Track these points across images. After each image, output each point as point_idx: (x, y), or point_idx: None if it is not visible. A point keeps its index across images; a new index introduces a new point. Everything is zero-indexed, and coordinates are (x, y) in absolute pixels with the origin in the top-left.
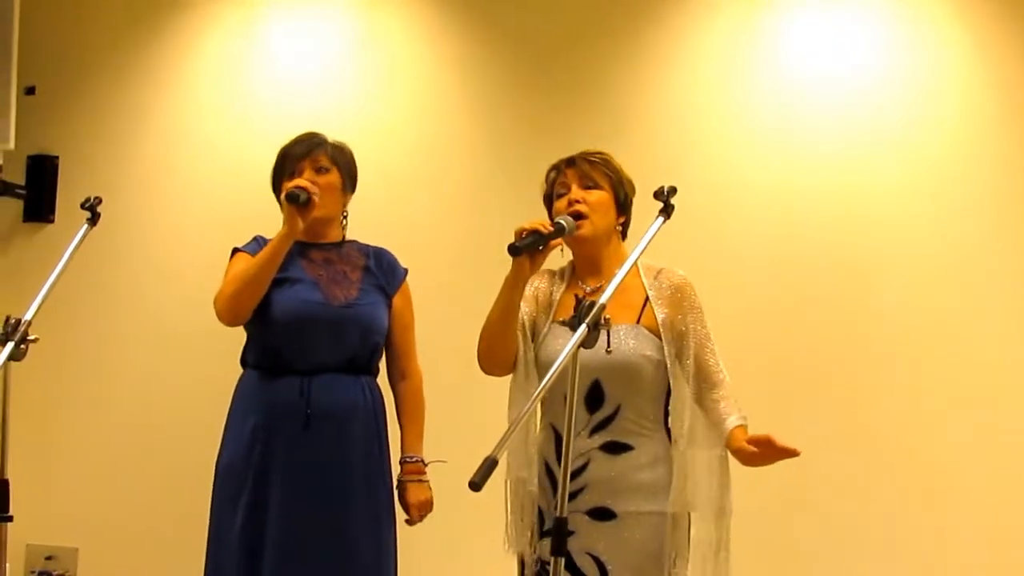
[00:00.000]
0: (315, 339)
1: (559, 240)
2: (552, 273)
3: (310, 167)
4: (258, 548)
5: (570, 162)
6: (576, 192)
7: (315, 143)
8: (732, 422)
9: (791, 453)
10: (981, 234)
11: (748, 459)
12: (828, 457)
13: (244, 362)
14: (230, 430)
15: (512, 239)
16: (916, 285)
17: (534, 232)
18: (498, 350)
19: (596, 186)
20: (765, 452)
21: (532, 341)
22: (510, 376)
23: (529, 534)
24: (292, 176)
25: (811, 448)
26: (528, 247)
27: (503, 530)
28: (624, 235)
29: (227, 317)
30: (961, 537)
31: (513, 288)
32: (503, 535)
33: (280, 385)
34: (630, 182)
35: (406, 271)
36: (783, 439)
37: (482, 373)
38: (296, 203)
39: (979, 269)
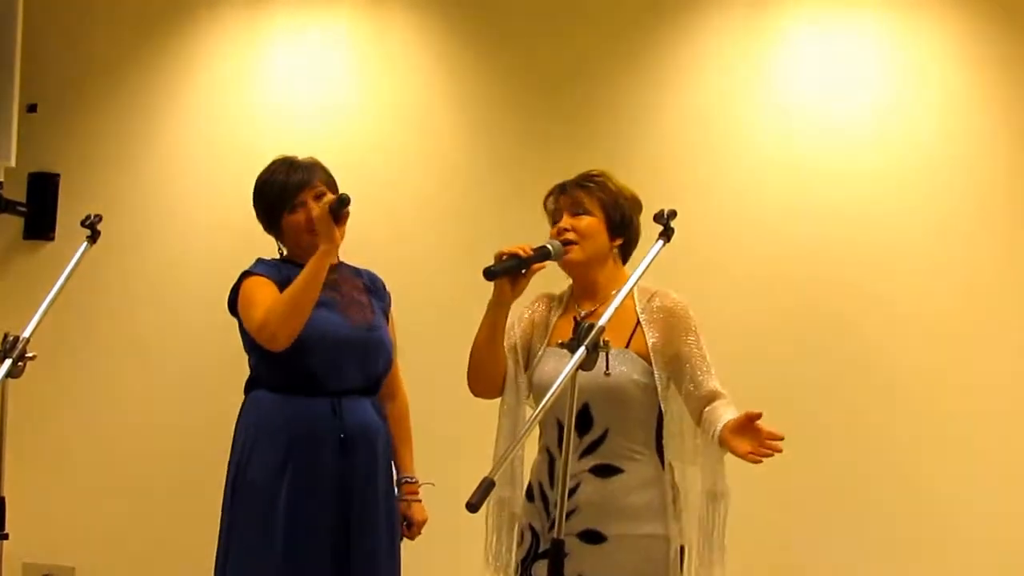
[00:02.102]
0: (346, 361)
1: (541, 264)
2: (551, 297)
3: (311, 196)
4: (303, 568)
5: (562, 189)
6: (565, 220)
7: (309, 169)
8: (730, 415)
9: (773, 436)
10: (983, 248)
11: (734, 436)
12: (832, 470)
13: (256, 383)
14: (253, 451)
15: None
16: (919, 300)
17: (514, 256)
18: (484, 373)
19: (586, 212)
20: (747, 425)
21: (527, 364)
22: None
23: (511, 555)
24: (294, 208)
25: (814, 461)
26: (505, 271)
27: (484, 548)
28: (627, 255)
29: (283, 340)
30: (966, 551)
31: (495, 311)
32: (484, 554)
33: (312, 406)
34: (633, 201)
35: (390, 295)
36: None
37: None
38: (342, 209)
39: (982, 284)
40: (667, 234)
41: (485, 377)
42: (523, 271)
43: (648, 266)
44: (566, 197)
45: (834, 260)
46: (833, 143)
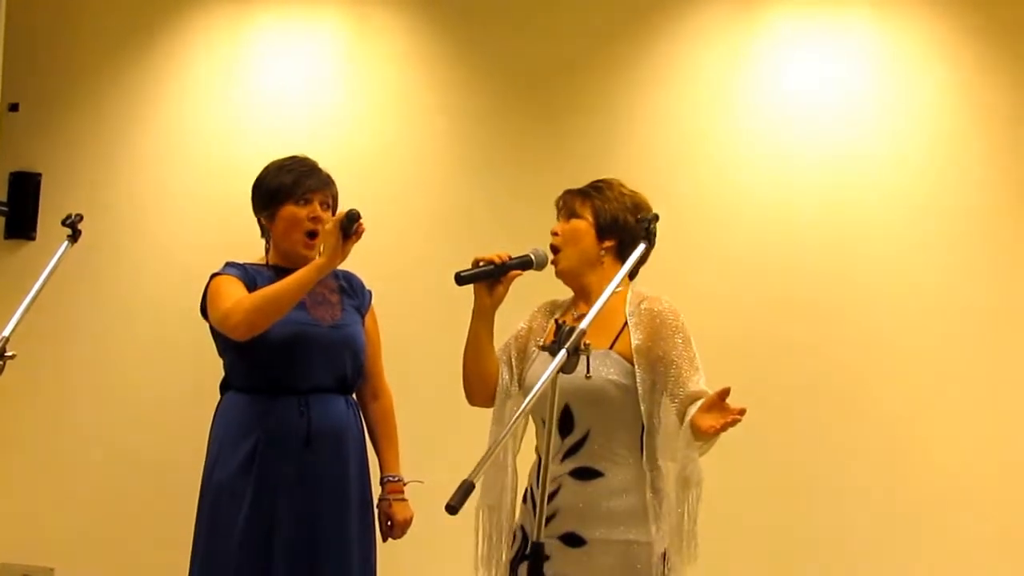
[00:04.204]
0: (311, 359)
1: (518, 272)
2: (555, 304)
3: (320, 202)
4: (263, 561)
5: (564, 196)
6: (556, 226)
7: (327, 179)
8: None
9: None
10: (969, 239)
11: (701, 414)
12: (823, 462)
13: (227, 386)
14: (222, 452)
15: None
16: (906, 290)
17: (489, 262)
18: (473, 381)
19: (575, 215)
20: (716, 403)
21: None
22: None
23: (504, 561)
24: (299, 201)
25: (806, 454)
26: (476, 277)
27: (474, 553)
28: (624, 256)
29: (242, 330)
30: (958, 544)
31: (476, 321)
32: (473, 559)
33: (279, 405)
34: (634, 204)
35: (371, 293)
36: (733, 402)
37: (462, 398)
38: (352, 225)
39: (966, 276)
40: (648, 238)
41: (476, 387)
42: (500, 278)
43: (629, 268)
44: (564, 204)
45: (823, 253)
46: (821, 139)
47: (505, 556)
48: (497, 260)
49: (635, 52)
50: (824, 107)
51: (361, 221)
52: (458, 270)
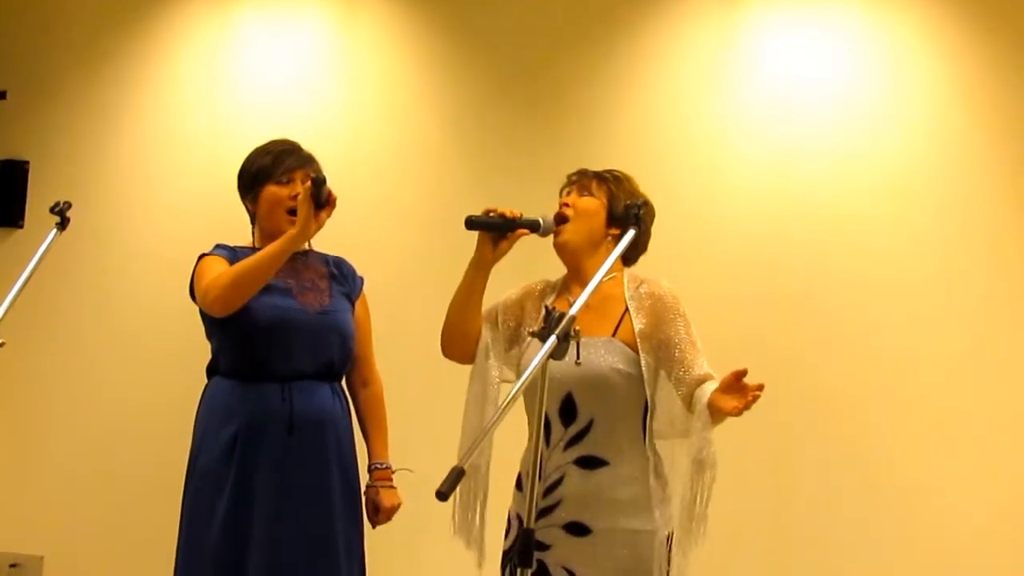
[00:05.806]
0: (296, 345)
1: (525, 231)
2: (547, 283)
3: (301, 181)
4: (240, 549)
5: (580, 173)
6: (568, 197)
7: (307, 157)
8: (711, 385)
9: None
10: (959, 227)
11: (721, 397)
12: (815, 462)
13: (213, 371)
14: (205, 437)
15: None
16: (897, 288)
17: (501, 215)
18: (456, 332)
19: (589, 193)
20: (734, 384)
21: (513, 348)
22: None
23: (477, 525)
24: (280, 181)
25: (799, 454)
26: (486, 225)
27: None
28: (628, 255)
29: (219, 305)
30: (944, 536)
31: (474, 272)
32: (451, 526)
33: (262, 391)
34: (643, 203)
35: (363, 279)
36: (751, 379)
37: (447, 382)
38: (320, 190)
39: (962, 271)
40: (637, 224)
41: (457, 339)
42: (507, 234)
43: (620, 253)
44: (579, 181)
45: (812, 247)
46: (810, 131)
47: (478, 520)
48: (508, 215)
49: (623, 39)
50: (813, 98)
51: (329, 187)
52: (469, 215)
